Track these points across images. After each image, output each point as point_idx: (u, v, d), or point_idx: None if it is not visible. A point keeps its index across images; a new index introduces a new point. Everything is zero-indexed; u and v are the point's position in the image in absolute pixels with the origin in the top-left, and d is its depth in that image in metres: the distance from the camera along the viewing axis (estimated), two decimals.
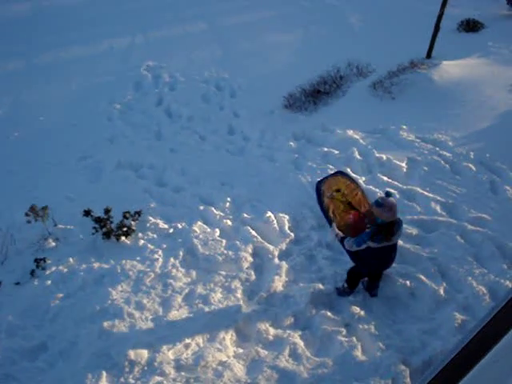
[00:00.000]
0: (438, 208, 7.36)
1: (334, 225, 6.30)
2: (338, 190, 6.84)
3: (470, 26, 12.11)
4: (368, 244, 5.49)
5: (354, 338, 5.83)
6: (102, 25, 13.66)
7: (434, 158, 8.25)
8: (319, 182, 7.36)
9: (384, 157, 8.33)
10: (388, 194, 5.44)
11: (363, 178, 7.97)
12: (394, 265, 6.32)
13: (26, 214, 7.06)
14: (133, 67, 11.75)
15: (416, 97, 9.70)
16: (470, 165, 8.06)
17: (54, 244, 7.16)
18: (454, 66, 10.31)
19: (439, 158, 8.24)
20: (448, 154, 8.31)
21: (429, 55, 10.82)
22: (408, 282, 6.35)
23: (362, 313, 6.10)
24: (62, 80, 11.39)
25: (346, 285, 6.28)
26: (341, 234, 5.98)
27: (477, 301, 6.15)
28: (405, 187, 7.75)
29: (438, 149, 8.45)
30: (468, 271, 6.49)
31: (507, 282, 6.32)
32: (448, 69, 10.18)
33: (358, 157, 8.44)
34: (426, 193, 7.59)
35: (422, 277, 6.39)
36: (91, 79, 11.44)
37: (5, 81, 11.49)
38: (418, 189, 7.68)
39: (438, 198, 7.52)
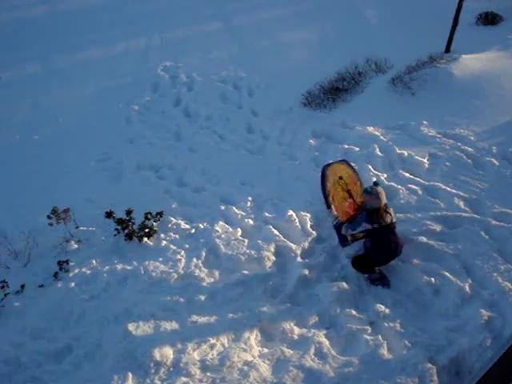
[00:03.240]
0: (462, 204, 7.27)
1: (333, 208, 6.91)
2: (340, 178, 7.27)
3: (489, 19, 11.91)
4: (362, 226, 6.09)
5: (380, 337, 5.79)
6: (118, 26, 13.63)
7: (456, 153, 8.16)
8: (325, 166, 7.46)
9: (405, 153, 8.25)
10: (376, 183, 6.24)
11: (385, 175, 7.90)
12: (418, 261, 6.30)
13: (48, 217, 7.09)
14: (150, 68, 11.74)
15: (436, 92, 9.59)
16: (493, 159, 7.96)
17: (76, 246, 7.19)
18: (474, 60, 10.18)
19: (461, 153, 8.14)
20: (470, 149, 8.21)
21: (448, 49, 10.68)
22: (433, 279, 6.29)
23: (387, 311, 6.06)
24: (80, 82, 11.42)
25: (365, 274, 6.48)
26: (341, 218, 6.66)
27: (503, 297, 6.07)
28: (427, 183, 7.67)
29: (459, 144, 8.34)
30: (493, 267, 6.41)
31: None
32: (468, 63, 10.05)
33: (379, 153, 8.36)
34: (448, 188, 7.51)
35: (447, 273, 6.34)
36: (108, 81, 11.47)
37: (23, 84, 11.56)
38: (441, 185, 7.60)
39: (461, 193, 7.44)
